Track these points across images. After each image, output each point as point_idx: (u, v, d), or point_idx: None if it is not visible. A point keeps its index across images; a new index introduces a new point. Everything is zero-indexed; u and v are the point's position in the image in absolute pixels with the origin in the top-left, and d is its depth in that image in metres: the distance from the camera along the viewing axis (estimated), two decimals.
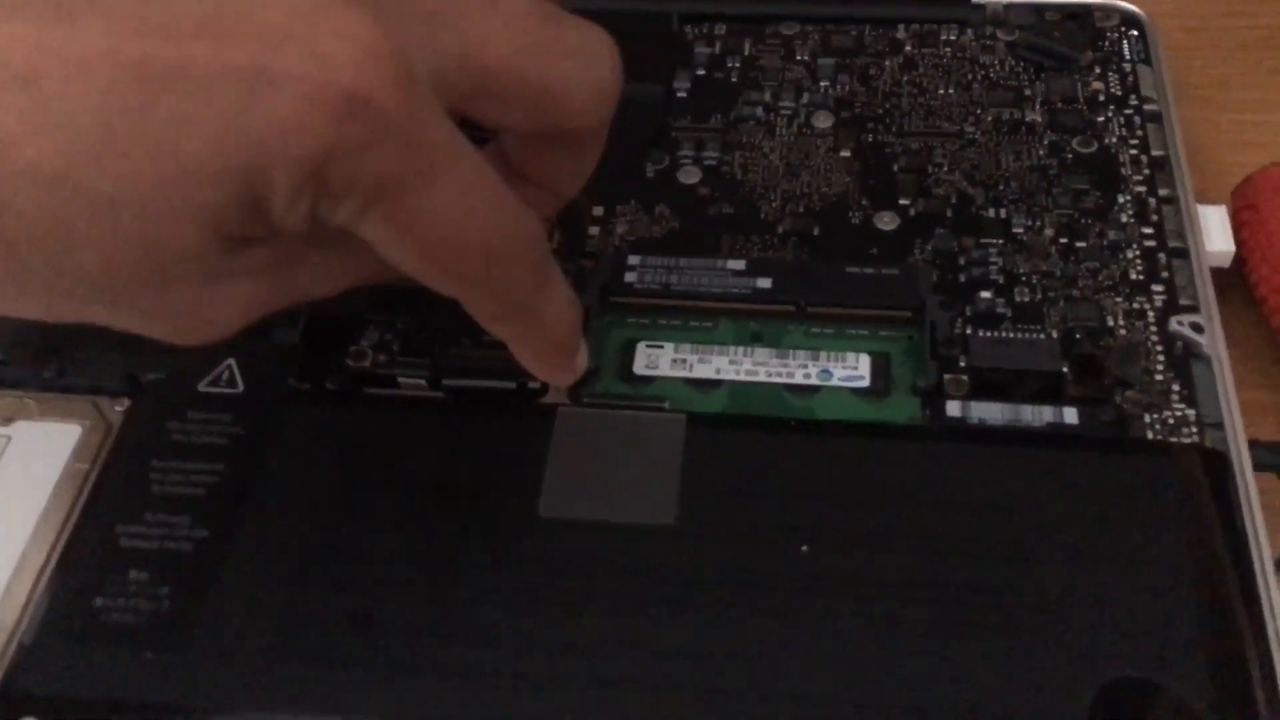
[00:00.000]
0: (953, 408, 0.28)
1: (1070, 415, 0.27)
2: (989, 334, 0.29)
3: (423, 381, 0.29)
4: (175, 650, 0.24)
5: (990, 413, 0.27)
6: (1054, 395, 0.28)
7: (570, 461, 0.27)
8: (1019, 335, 0.29)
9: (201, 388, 0.28)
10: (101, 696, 0.24)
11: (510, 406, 0.28)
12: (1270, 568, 0.24)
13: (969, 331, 0.29)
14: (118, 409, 0.29)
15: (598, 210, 0.33)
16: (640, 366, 0.29)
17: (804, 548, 0.25)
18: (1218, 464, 0.26)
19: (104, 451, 0.28)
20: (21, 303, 0.21)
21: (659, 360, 0.29)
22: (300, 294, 0.24)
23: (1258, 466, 0.27)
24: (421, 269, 0.22)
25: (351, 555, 0.26)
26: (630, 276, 0.31)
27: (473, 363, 0.29)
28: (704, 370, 0.29)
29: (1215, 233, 0.31)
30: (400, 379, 0.29)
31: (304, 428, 0.28)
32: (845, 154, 0.34)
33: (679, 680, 0.24)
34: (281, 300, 0.23)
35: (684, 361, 0.29)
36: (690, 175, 0.33)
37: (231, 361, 0.29)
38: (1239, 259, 0.32)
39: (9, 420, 0.29)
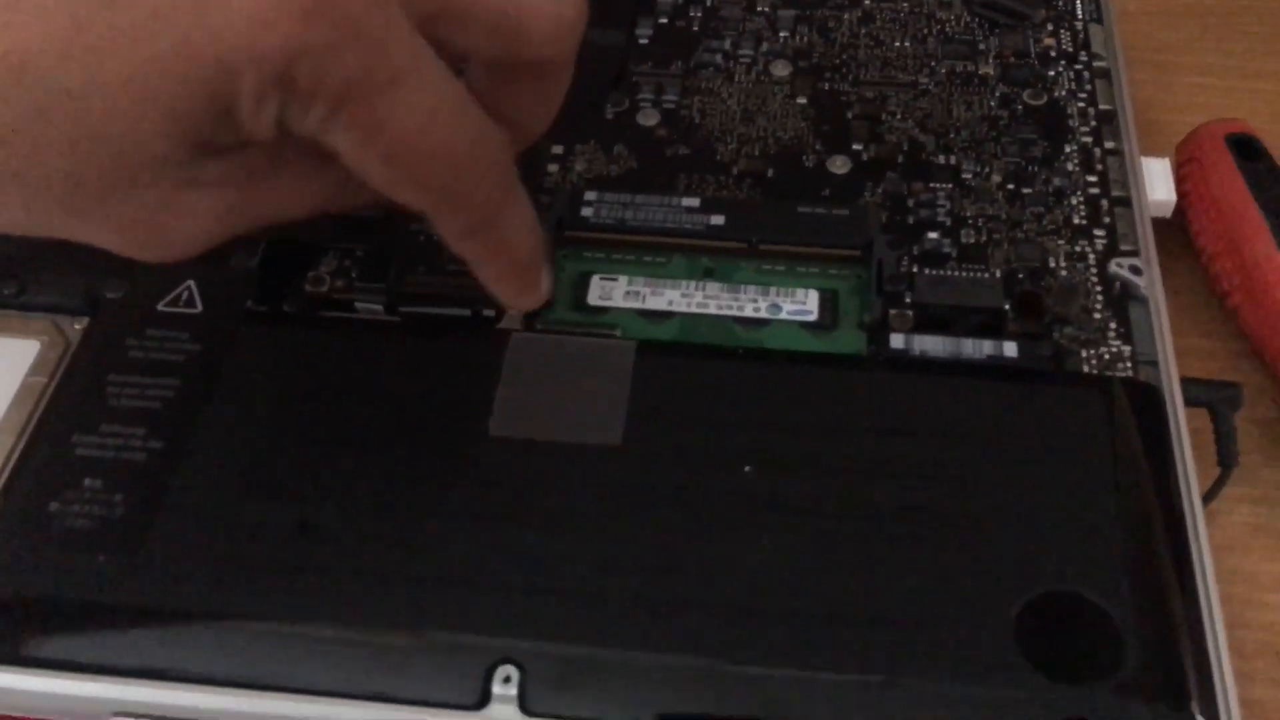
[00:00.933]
0: (896, 340, 0.28)
1: (1010, 349, 0.28)
2: (935, 272, 0.30)
3: (379, 307, 0.29)
4: (128, 553, 0.25)
5: (933, 345, 0.28)
6: (995, 331, 0.29)
7: (521, 384, 0.27)
8: (964, 274, 0.30)
9: (161, 307, 0.29)
10: (52, 595, 0.24)
11: (465, 332, 0.29)
12: (1197, 493, 0.25)
13: (915, 270, 0.30)
14: (76, 327, 0.29)
15: (557, 149, 0.33)
16: (594, 297, 0.30)
17: (746, 468, 0.26)
18: (1150, 397, 0.27)
19: (61, 367, 0.28)
20: None
21: (612, 292, 0.30)
22: (266, 214, 0.24)
23: (1189, 402, 0.28)
24: (388, 178, 0.22)
25: (302, 468, 0.26)
26: (587, 211, 0.31)
27: (429, 289, 0.29)
28: (656, 302, 0.30)
29: (1158, 182, 0.32)
30: (357, 304, 0.30)
31: (260, 347, 0.28)
32: (801, 101, 0.34)
33: (622, 591, 0.24)
34: (246, 219, 0.24)
35: (637, 294, 0.30)
36: (649, 118, 0.34)
37: (191, 283, 0.29)
38: (1179, 210, 0.33)
39: None
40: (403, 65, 0.21)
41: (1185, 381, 0.28)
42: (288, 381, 0.28)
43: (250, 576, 0.24)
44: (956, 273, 0.30)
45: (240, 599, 0.24)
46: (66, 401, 0.27)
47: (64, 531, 0.25)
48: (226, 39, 0.19)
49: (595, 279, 0.30)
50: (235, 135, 0.21)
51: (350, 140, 0.21)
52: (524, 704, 0.23)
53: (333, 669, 0.23)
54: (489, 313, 0.29)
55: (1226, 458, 0.28)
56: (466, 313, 0.29)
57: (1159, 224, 0.31)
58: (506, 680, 0.23)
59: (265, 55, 0.20)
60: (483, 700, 0.23)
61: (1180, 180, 0.33)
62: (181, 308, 0.29)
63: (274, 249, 0.30)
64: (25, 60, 0.19)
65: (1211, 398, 0.28)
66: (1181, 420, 0.27)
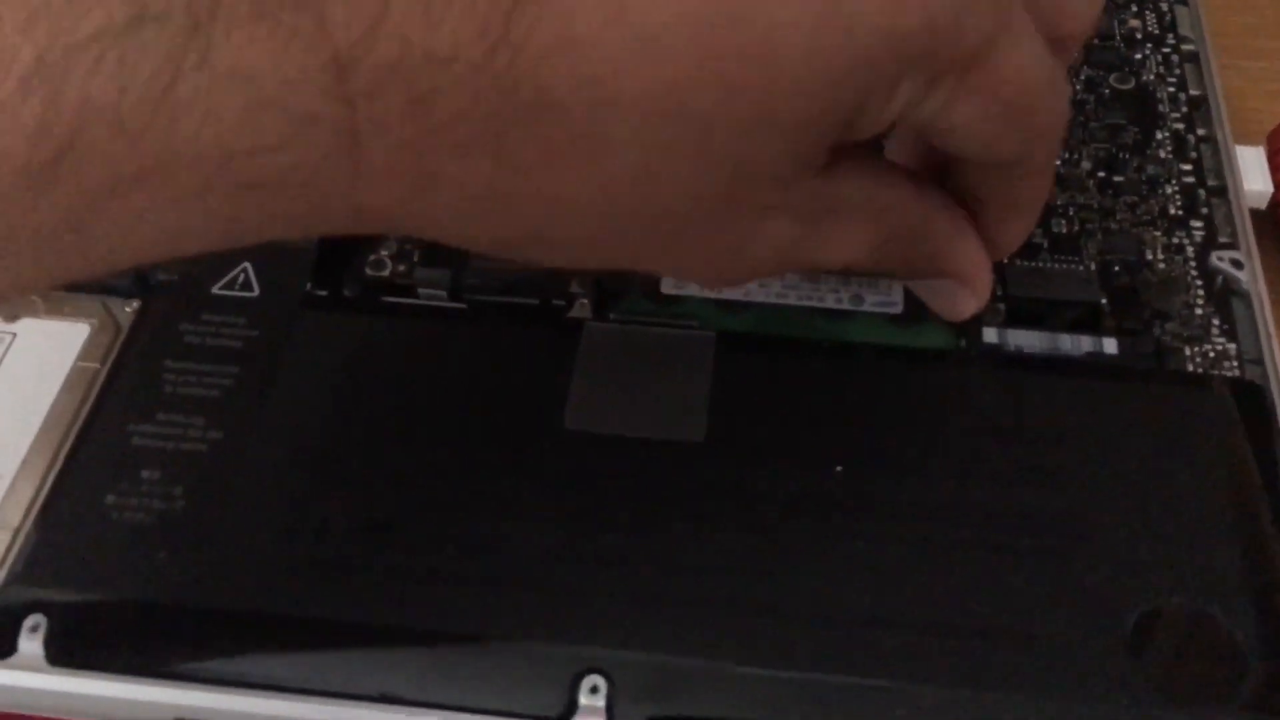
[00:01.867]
0: (989, 334, 0.27)
1: (1110, 345, 0.27)
2: (1026, 263, 0.28)
3: (444, 293, 0.28)
4: (190, 550, 0.23)
5: (1028, 340, 0.27)
6: (1091, 326, 0.27)
7: (597, 376, 0.26)
8: (1056, 265, 0.28)
9: (215, 290, 0.27)
10: (111, 597, 0.23)
11: (534, 321, 0.28)
12: None
13: (1005, 260, 0.28)
14: (127, 309, 0.28)
15: None
16: (668, 285, 0.28)
17: (838, 468, 0.25)
18: (1258, 397, 0.26)
19: (113, 351, 0.27)
20: (585, 250, 0.20)
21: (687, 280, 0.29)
22: (810, 258, 0.22)
23: None
24: (1005, 134, 0.20)
25: (369, 461, 0.25)
26: None
27: (496, 276, 0.28)
28: (733, 291, 0.28)
29: (1253, 172, 0.31)
30: (420, 290, 0.28)
31: (321, 333, 0.27)
32: None
33: (710, 597, 0.23)
34: (798, 259, 0.21)
35: None
36: None
37: (247, 265, 0.28)
38: (1274, 202, 0.31)
39: (14, 318, 0.28)
40: (1015, 8, 0.19)
41: None
42: (352, 370, 0.26)
43: (319, 577, 0.23)
44: (1049, 264, 0.28)
45: (308, 601, 0.23)
46: (121, 388, 0.26)
47: (122, 526, 0.24)
48: (861, 25, 0.17)
49: None
50: (853, 136, 0.19)
51: (974, 107, 0.19)
52: (612, 715, 0.22)
53: (407, 676, 0.22)
54: (559, 301, 0.28)
55: None
56: (535, 301, 0.28)
57: (1254, 215, 0.30)
58: (594, 690, 0.22)
59: (907, 34, 0.17)
60: (569, 711, 0.22)
61: (1274, 170, 0.31)
62: (238, 291, 0.28)
63: None
64: (656, 94, 0.17)
65: None
66: None
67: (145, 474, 0.24)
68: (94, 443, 0.25)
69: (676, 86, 0.17)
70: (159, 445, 0.25)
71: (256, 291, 0.28)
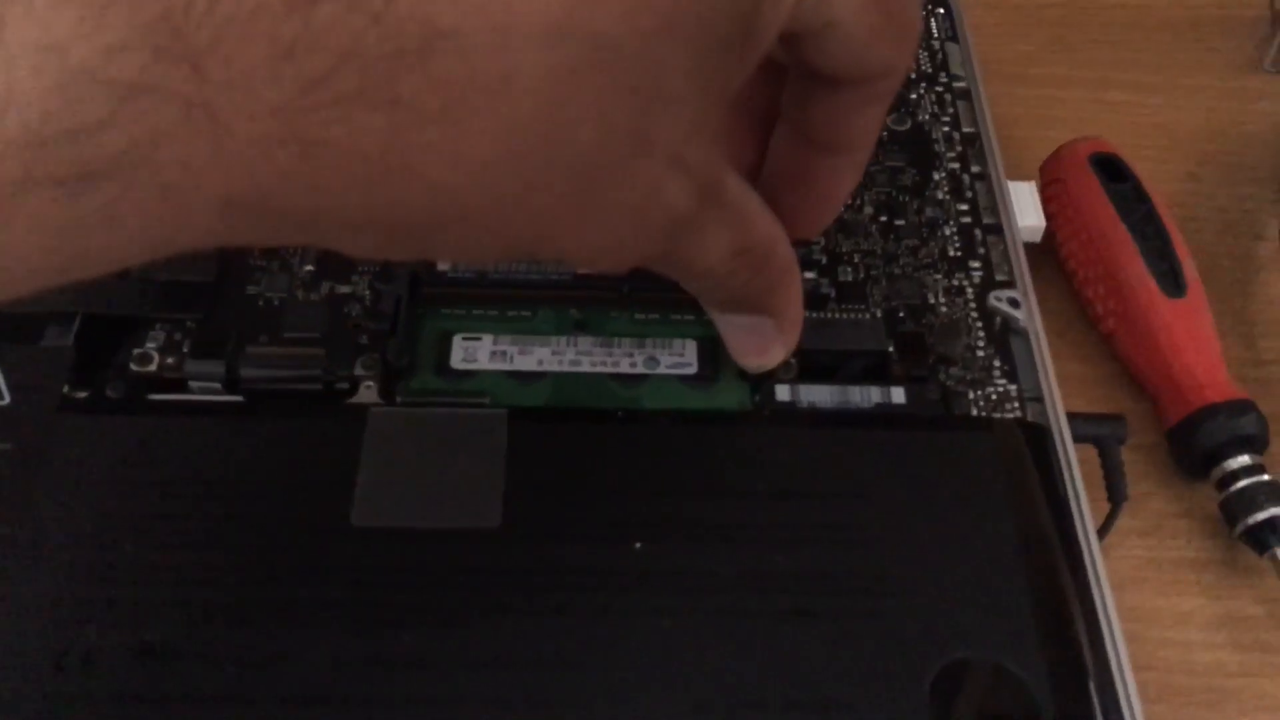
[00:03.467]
0: (782, 391, 0.27)
1: (898, 395, 0.27)
2: (815, 315, 0.28)
3: (218, 385, 0.27)
4: None
5: (819, 395, 0.27)
6: (880, 374, 0.28)
7: (385, 465, 0.25)
8: (844, 315, 0.28)
9: None
10: None
11: (316, 409, 0.26)
12: (1094, 535, 0.25)
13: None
14: None
15: None
16: (458, 360, 0.27)
17: (637, 545, 0.24)
18: (1040, 437, 0.26)
19: None
20: (492, 222, 0.17)
21: (477, 353, 0.28)
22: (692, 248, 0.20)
23: (1076, 438, 0.27)
24: (876, 29, 0.20)
25: (140, 578, 0.23)
26: (443, 266, 0.29)
27: (274, 361, 0.27)
28: (525, 362, 0.28)
29: (1026, 208, 0.31)
30: (191, 383, 0.27)
31: (82, 439, 0.25)
32: None
33: (508, 692, 0.22)
34: (681, 243, 0.20)
35: (504, 354, 0.28)
36: None
37: None
38: (1049, 233, 0.32)
39: None
40: None
41: (1071, 418, 0.27)
42: (119, 478, 0.24)
43: (86, 711, 0.21)
44: (837, 314, 0.29)
45: None
46: None
47: None
48: None
49: (457, 339, 0.28)
50: (753, 47, 0.18)
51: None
52: None
53: None
54: (342, 384, 0.27)
55: (1116, 494, 0.28)
56: (317, 385, 0.27)
57: (1028, 249, 0.31)
58: None
59: None
60: None
61: (1046, 201, 0.32)
62: None
63: (90, 322, 0.27)
64: (556, 17, 0.15)
65: (1098, 433, 0.28)
66: (1073, 459, 0.26)
67: None
68: None
69: (577, 4, 0.16)
70: None
71: (6, 399, 0.25)
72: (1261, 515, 0.27)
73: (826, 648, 0.23)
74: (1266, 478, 0.28)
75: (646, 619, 0.23)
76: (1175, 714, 0.26)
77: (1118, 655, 0.23)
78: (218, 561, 0.23)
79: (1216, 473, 0.28)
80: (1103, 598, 0.24)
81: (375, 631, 0.23)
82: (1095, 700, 0.23)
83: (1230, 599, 0.28)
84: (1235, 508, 0.28)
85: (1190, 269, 0.30)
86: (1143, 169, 0.33)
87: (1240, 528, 0.27)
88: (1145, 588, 0.28)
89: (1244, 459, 0.28)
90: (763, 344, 0.24)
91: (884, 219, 0.31)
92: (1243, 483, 0.28)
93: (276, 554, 0.24)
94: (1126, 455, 0.28)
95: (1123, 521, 0.28)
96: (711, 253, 0.21)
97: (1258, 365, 0.32)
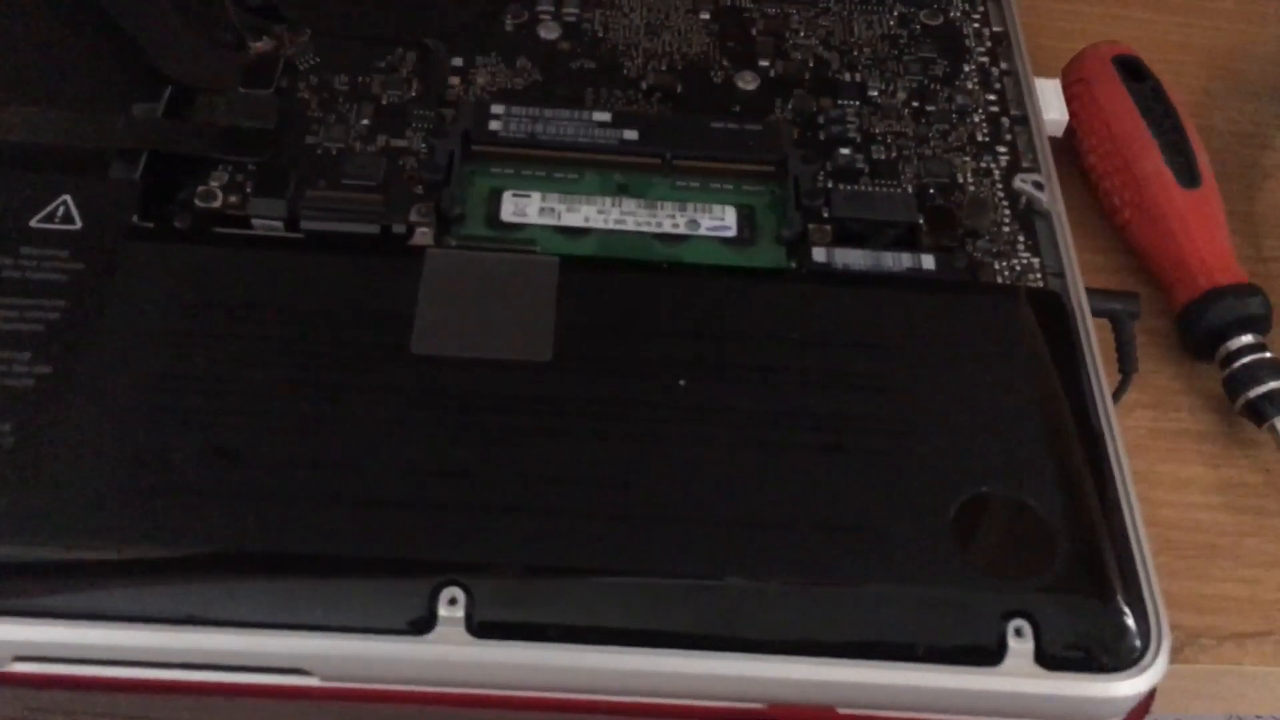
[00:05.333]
0: (818, 254, 0.28)
1: (928, 261, 0.28)
2: (849, 187, 0.30)
3: (279, 223, 0.28)
4: (24, 486, 0.23)
5: (854, 258, 0.28)
6: (910, 244, 0.29)
7: (442, 300, 0.26)
8: (878, 189, 0.30)
9: (34, 223, 0.26)
10: None
11: (375, 248, 0.28)
12: (1108, 393, 0.26)
13: (830, 185, 0.30)
14: None
15: (456, 61, 0.32)
16: (508, 214, 0.29)
17: (681, 382, 0.25)
18: (1060, 306, 0.28)
19: None
20: None
21: (526, 208, 0.29)
22: None
23: (1092, 313, 0.28)
24: None
25: (211, 390, 0.24)
26: (495, 125, 0.30)
27: (334, 205, 0.28)
28: (572, 219, 0.29)
29: (1050, 102, 0.33)
30: (254, 220, 0.28)
31: (151, 265, 0.26)
32: (704, 16, 0.34)
33: (558, 506, 0.23)
34: None
35: (552, 210, 0.29)
36: (550, 30, 0.33)
37: (66, 197, 0.27)
38: (1069, 130, 0.34)
39: None
40: None
41: (1089, 292, 0.29)
42: (187, 301, 0.26)
43: (164, 506, 0.23)
44: (870, 188, 0.30)
45: (158, 530, 0.22)
46: None
47: None
48: None
49: (507, 195, 0.29)
50: None
51: None
52: (471, 625, 0.22)
53: (268, 600, 0.22)
54: (399, 229, 0.28)
55: (1127, 364, 0.29)
56: (375, 229, 0.28)
57: (1051, 142, 0.32)
58: (452, 602, 0.22)
59: None
60: (429, 623, 0.22)
61: (1069, 100, 0.34)
62: (58, 224, 0.26)
63: (156, 160, 0.28)
64: None
65: (1113, 308, 0.29)
66: (1090, 328, 0.28)
67: None
68: None
69: None
70: None
71: (78, 225, 0.26)
72: (1262, 389, 0.29)
73: (856, 479, 0.24)
74: (1269, 355, 0.29)
75: (689, 448, 0.24)
76: (1175, 564, 0.28)
77: (1130, 505, 0.25)
78: (285, 378, 0.25)
79: (1221, 351, 0.30)
80: (1118, 454, 0.26)
81: (432, 446, 0.24)
82: (1108, 544, 0.24)
83: (1229, 467, 0.29)
84: (1237, 383, 0.29)
85: (1204, 163, 0.32)
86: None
87: (1241, 401, 0.29)
88: (1148, 455, 0.29)
89: (1248, 338, 0.29)
90: None
91: (915, 104, 0.32)
92: (1246, 359, 0.29)
93: (340, 373, 0.25)
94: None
95: (1129, 395, 0.30)
96: None
97: (1261, 262, 0.33)
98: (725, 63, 0.33)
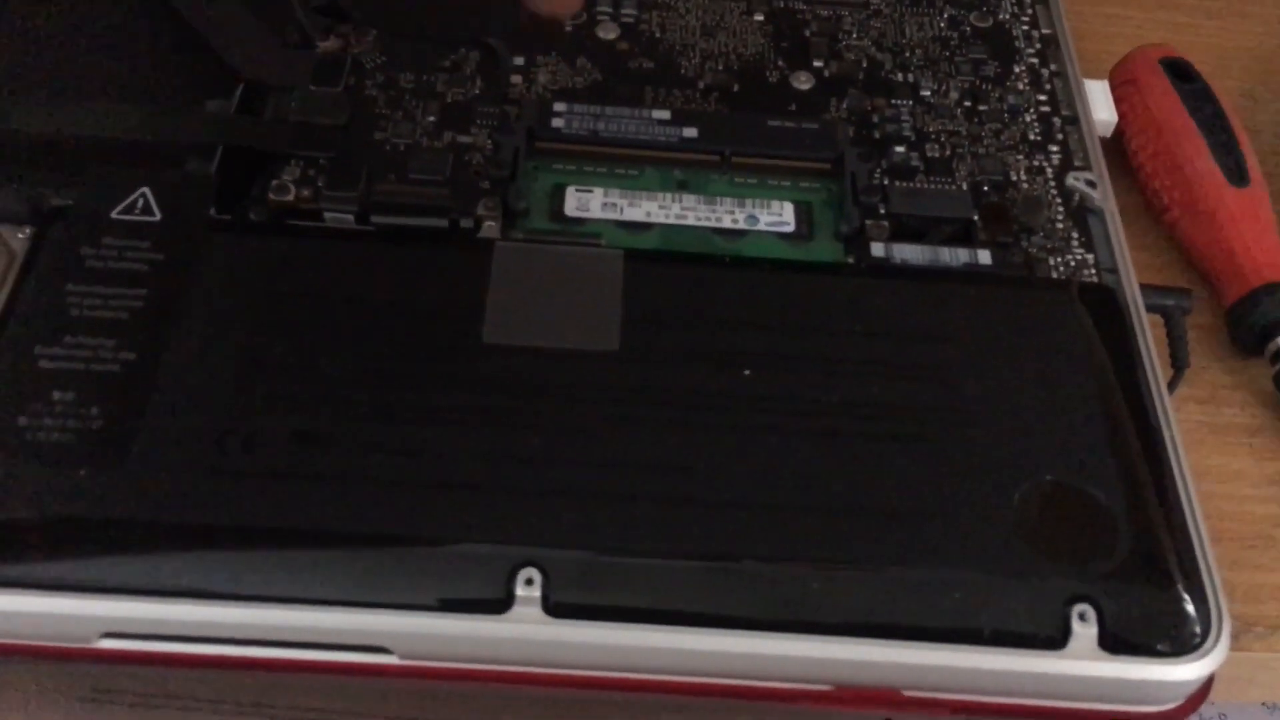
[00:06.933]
0: (876, 249, 0.29)
1: (984, 256, 0.29)
2: (906, 184, 0.30)
3: (350, 217, 0.28)
4: (111, 466, 0.23)
5: (911, 253, 0.29)
6: (966, 240, 0.29)
7: (511, 292, 0.27)
8: (932, 186, 0.30)
9: (115, 215, 0.27)
10: (33, 512, 0.23)
11: (445, 240, 0.28)
12: (1164, 385, 0.27)
13: (886, 182, 0.30)
14: (20, 236, 0.27)
15: (518, 60, 0.32)
16: (571, 208, 0.29)
17: (746, 371, 0.26)
18: (1114, 300, 0.28)
19: (9, 278, 0.26)
20: None
21: (589, 203, 0.29)
22: None
23: (1145, 308, 0.29)
24: None
25: (292, 377, 0.25)
26: (557, 122, 0.31)
27: (403, 199, 0.29)
28: (634, 214, 0.29)
29: (1099, 103, 0.33)
30: (326, 214, 0.28)
31: (230, 256, 0.27)
32: (758, 18, 0.34)
33: (630, 491, 0.24)
34: None
35: (614, 205, 0.29)
36: (609, 31, 0.33)
37: (146, 190, 0.28)
38: (1118, 131, 0.34)
39: None
40: None
41: (1141, 287, 0.29)
42: (266, 291, 0.26)
43: (251, 486, 0.23)
44: (926, 185, 0.30)
45: (242, 509, 0.23)
46: (22, 314, 0.25)
47: (38, 446, 0.23)
48: None
49: (570, 190, 0.30)
50: None
51: None
52: (547, 605, 0.23)
53: (349, 578, 0.23)
54: (466, 223, 0.28)
55: (1180, 359, 0.30)
56: (443, 222, 0.28)
57: (1101, 142, 0.33)
58: (529, 582, 0.23)
59: None
60: (507, 602, 0.23)
61: (1117, 101, 0.34)
62: (138, 215, 0.27)
63: (231, 155, 0.29)
64: None
65: (1165, 303, 0.30)
66: (1145, 322, 0.28)
67: (57, 395, 0.24)
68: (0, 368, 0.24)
69: None
70: (69, 367, 0.24)
71: (158, 216, 0.27)
72: None
73: (919, 467, 0.25)
74: None
75: (755, 435, 0.25)
76: (1229, 555, 0.28)
77: (1188, 495, 0.25)
78: (361, 365, 0.25)
79: (1271, 347, 0.30)
80: (1175, 445, 0.26)
81: (506, 432, 0.25)
82: (1166, 533, 0.25)
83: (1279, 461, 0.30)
84: None
85: (1253, 162, 0.32)
86: None
87: None
88: (1200, 448, 0.30)
89: None
90: None
91: (968, 104, 0.32)
92: None
93: (414, 362, 0.25)
94: None
95: (1181, 390, 0.30)
96: None
97: None
98: (780, 63, 0.33)
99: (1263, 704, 0.39)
